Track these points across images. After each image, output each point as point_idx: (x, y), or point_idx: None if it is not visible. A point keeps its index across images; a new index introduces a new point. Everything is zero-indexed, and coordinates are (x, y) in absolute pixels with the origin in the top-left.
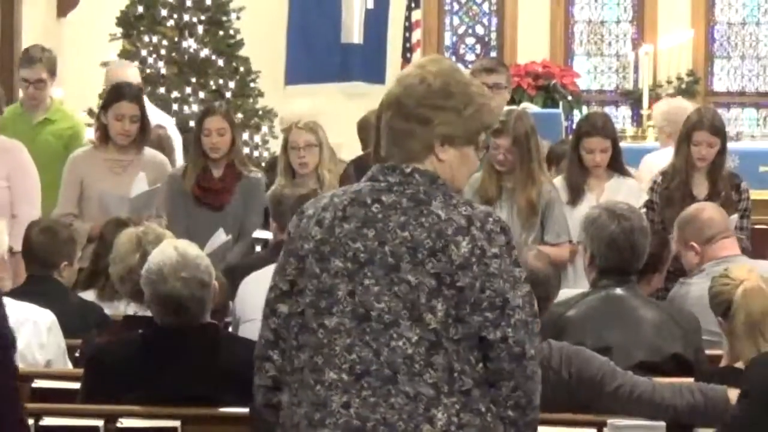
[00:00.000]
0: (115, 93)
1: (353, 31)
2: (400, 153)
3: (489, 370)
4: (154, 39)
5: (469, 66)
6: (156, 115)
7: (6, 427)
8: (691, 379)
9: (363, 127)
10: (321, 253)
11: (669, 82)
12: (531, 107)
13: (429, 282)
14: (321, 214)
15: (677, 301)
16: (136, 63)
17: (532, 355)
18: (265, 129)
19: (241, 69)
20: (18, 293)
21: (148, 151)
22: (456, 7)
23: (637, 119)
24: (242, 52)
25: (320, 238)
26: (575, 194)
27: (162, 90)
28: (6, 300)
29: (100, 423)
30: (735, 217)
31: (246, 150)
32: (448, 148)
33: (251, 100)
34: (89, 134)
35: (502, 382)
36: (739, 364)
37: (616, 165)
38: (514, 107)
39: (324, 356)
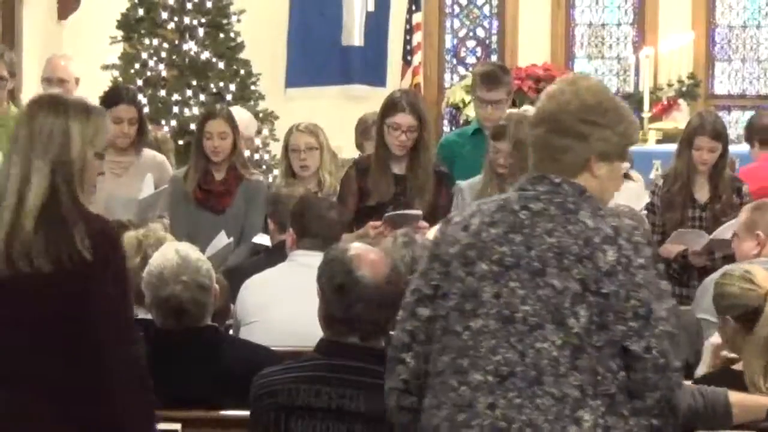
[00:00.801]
0: (113, 96)
1: (354, 34)
2: (555, 168)
3: (633, 381)
4: (155, 42)
5: (470, 69)
6: None
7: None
8: (690, 382)
9: (361, 129)
10: (466, 257)
11: (670, 85)
12: (531, 110)
13: (574, 287)
14: (468, 221)
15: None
16: (137, 66)
17: (677, 367)
18: (266, 132)
19: (242, 72)
20: None
21: (147, 152)
22: (457, 9)
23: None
24: (243, 55)
25: (466, 242)
26: None
27: (162, 93)
28: None
29: None
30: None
31: (247, 153)
32: (602, 164)
33: (252, 103)
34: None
35: (647, 393)
36: (737, 366)
37: None
38: (514, 111)
39: (469, 358)
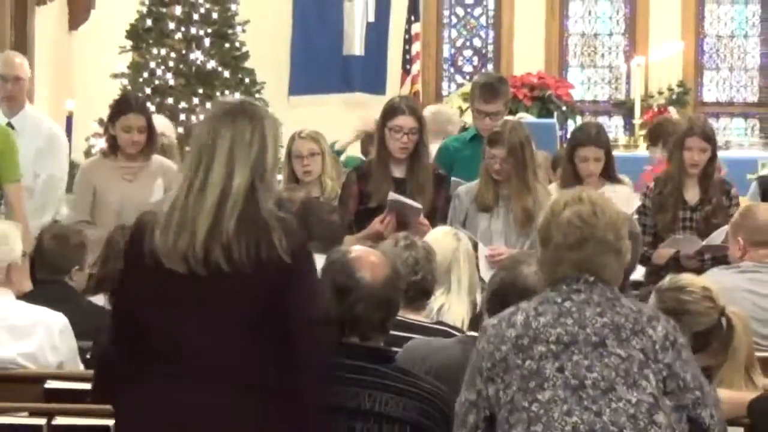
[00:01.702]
0: (122, 105)
1: (355, 43)
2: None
3: None
4: (163, 51)
5: (467, 77)
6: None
7: None
8: None
9: (366, 136)
10: (520, 347)
11: (660, 93)
12: (527, 117)
13: (638, 355)
14: (511, 319)
15: None
16: (146, 74)
17: None
18: None
19: (247, 80)
20: (29, 297)
21: (156, 158)
22: (454, 20)
23: (629, 129)
24: (247, 64)
25: (517, 334)
26: None
27: (170, 100)
28: (19, 303)
29: (110, 422)
30: (727, 227)
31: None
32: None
33: None
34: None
35: None
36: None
37: (609, 173)
38: (509, 118)
39: (542, 424)
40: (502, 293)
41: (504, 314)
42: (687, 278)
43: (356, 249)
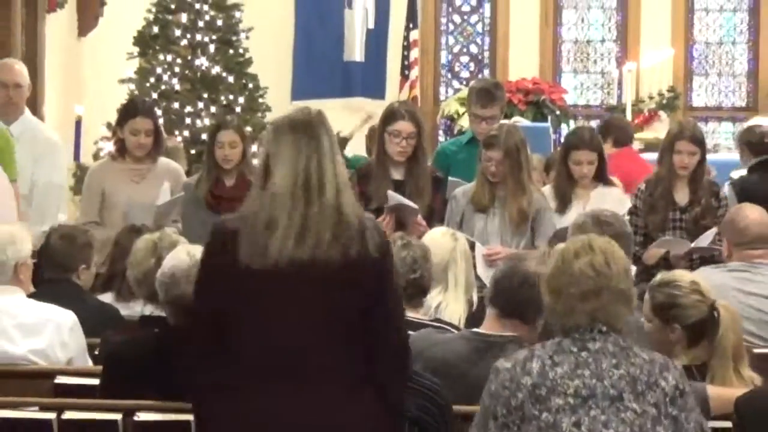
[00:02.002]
0: (130, 109)
1: (355, 50)
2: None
3: None
4: (169, 57)
5: (464, 82)
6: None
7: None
8: None
9: (372, 137)
10: (537, 396)
11: (651, 98)
12: (521, 121)
13: (651, 411)
14: (526, 366)
15: None
16: (152, 80)
17: None
18: None
19: (250, 85)
20: (37, 295)
21: (162, 160)
22: (451, 27)
23: None
24: (251, 70)
25: (533, 383)
26: (563, 202)
27: (176, 105)
28: (30, 301)
29: (118, 417)
30: (715, 229)
31: (255, 161)
32: None
33: (259, 115)
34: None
35: None
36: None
37: (601, 175)
38: (505, 122)
39: None
40: (504, 283)
41: (518, 358)
42: (677, 274)
43: None
